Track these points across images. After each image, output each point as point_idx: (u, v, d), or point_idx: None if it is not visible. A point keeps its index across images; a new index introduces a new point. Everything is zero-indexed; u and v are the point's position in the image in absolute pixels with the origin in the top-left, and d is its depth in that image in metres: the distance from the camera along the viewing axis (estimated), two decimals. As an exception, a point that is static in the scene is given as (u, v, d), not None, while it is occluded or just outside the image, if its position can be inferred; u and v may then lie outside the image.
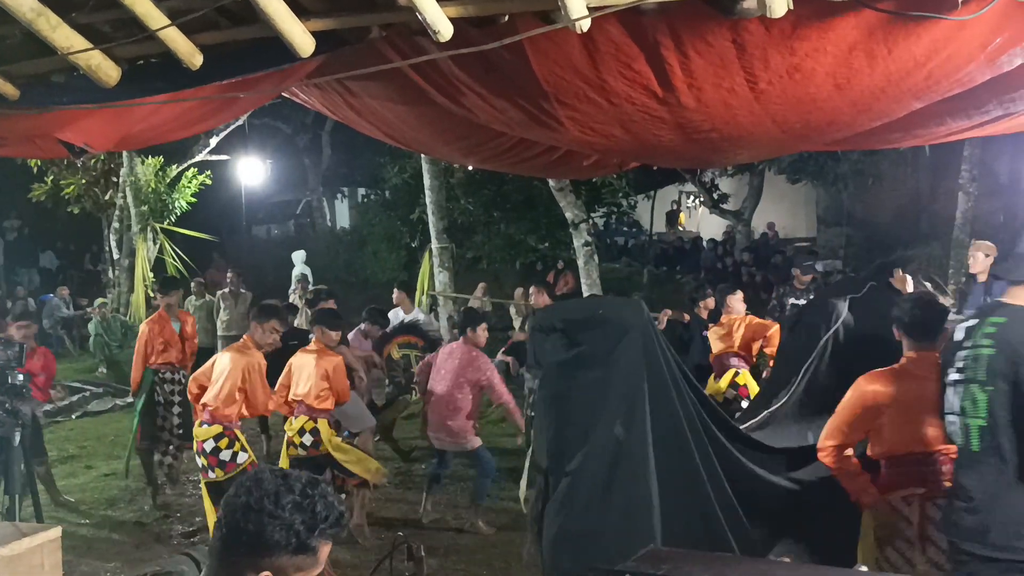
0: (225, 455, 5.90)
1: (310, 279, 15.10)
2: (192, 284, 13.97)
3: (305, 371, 6.45)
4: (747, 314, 7.78)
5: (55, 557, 4.12)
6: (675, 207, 24.93)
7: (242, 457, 5.93)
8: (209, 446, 5.90)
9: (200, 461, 6.03)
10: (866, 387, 3.86)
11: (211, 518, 6.00)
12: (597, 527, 4.01)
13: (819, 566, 4.03)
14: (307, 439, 6.37)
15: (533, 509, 4.34)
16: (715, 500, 4.20)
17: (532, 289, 10.14)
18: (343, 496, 6.41)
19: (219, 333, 13.08)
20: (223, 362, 6.05)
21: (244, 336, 6.29)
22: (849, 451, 3.91)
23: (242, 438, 6.03)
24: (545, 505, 4.23)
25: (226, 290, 13.26)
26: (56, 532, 4.18)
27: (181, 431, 7.60)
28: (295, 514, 1.81)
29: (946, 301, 5.55)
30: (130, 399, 11.57)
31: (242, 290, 13.39)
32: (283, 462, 6.42)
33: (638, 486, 4.03)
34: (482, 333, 7.04)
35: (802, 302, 9.50)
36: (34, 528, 4.20)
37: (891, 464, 3.86)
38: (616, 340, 4.16)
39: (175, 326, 7.90)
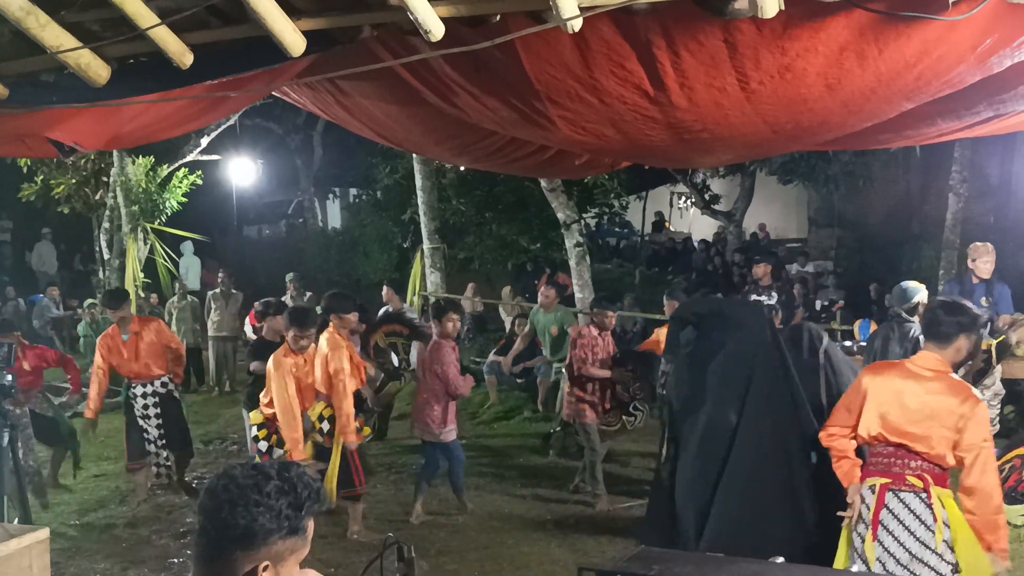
0: (262, 446, 6.26)
1: (198, 270, 15.09)
2: (176, 285, 13.93)
3: (317, 359, 6.51)
4: None
5: (43, 559, 4.09)
6: (659, 217, 25.02)
7: (277, 452, 6.21)
8: (252, 432, 6.39)
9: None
10: (862, 374, 4.10)
11: None
12: (711, 491, 4.77)
13: (813, 567, 4.07)
14: (324, 426, 6.45)
15: (664, 470, 5.11)
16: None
17: (543, 290, 10.25)
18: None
19: (210, 333, 13.05)
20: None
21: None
22: (844, 436, 4.07)
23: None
24: (674, 468, 5.01)
25: (217, 290, 13.22)
26: (44, 533, 4.16)
27: (164, 441, 7.46)
28: (280, 498, 1.84)
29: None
30: (119, 399, 11.56)
31: (233, 291, 13.35)
32: (308, 450, 6.47)
33: (744, 463, 4.73)
34: (447, 323, 7.01)
35: (764, 299, 9.55)
36: (22, 530, 4.17)
37: (870, 453, 4.05)
38: (734, 334, 4.87)
39: (125, 338, 7.42)
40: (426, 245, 13.54)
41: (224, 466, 1.93)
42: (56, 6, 3.43)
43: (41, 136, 4.52)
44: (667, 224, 25.24)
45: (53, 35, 3.38)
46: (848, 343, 9.30)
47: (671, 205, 25.35)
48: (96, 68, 3.60)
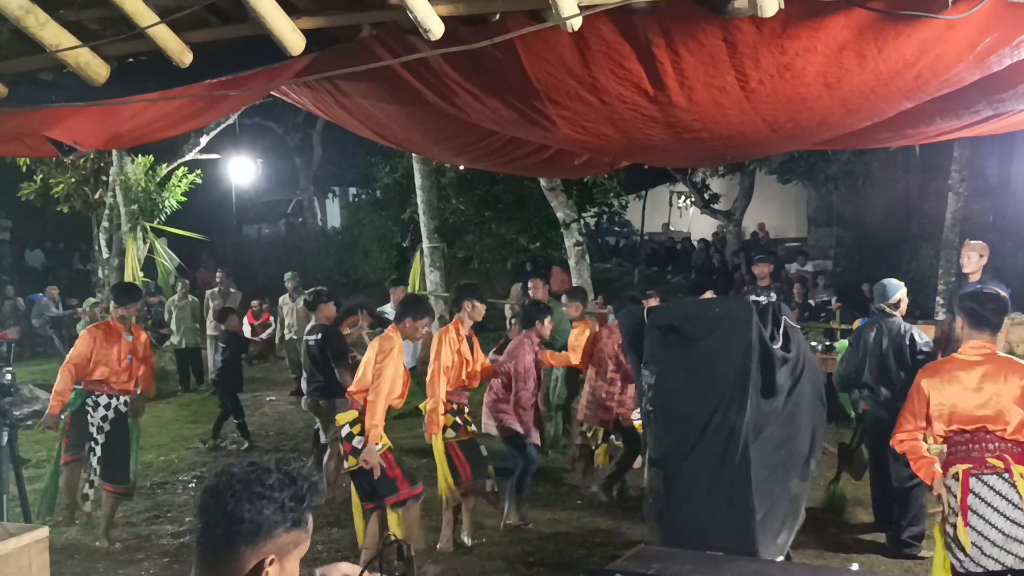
0: (357, 442, 5.61)
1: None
2: (178, 284, 13.94)
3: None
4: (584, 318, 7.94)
5: (42, 558, 4.08)
6: (665, 229, 25.04)
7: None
8: (344, 431, 5.71)
9: (340, 447, 5.87)
10: (919, 379, 4.28)
11: (355, 511, 5.86)
12: (714, 504, 4.69)
13: (811, 565, 4.10)
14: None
15: (653, 491, 4.96)
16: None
17: (531, 283, 10.15)
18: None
19: (208, 332, 13.05)
20: (369, 349, 5.85)
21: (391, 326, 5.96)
22: (914, 439, 4.28)
23: None
24: (665, 488, 4.85)
25: (215, 289, 13.24)
26: (43, 532, 4.15)
27: (100, 466, 6.54)
28: (284, 490, 1.86)
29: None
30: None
31: (232, 289, 13.38)
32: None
33: (745, 468, 4.67)
34: (539, 327, 6.92)
35: (762, 299, 9.52)
36: (21, 528, 4.16)
37: (949, 445, 4.22)
38: (732, 335, 4.72)
39: (129, 338, 6.65)
40: (425, 244, 13.53)
41: (222, 465, 1.91)
42: (55, 5, 3.43)
43: (40, 135, 4.51)
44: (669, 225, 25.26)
45: (52, 34, 3.38)
46: (845, 341, 9.30)
47: (671, 204, 25.33)
48: (95, 67, 3.60)
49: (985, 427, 4.06)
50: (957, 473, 4.13)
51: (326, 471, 7.44)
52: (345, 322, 8.88)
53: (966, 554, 4.08)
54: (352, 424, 5.68)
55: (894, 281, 6.42)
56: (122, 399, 6.65)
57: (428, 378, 6.12)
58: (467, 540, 6.33)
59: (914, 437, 4.30)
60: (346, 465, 5.80)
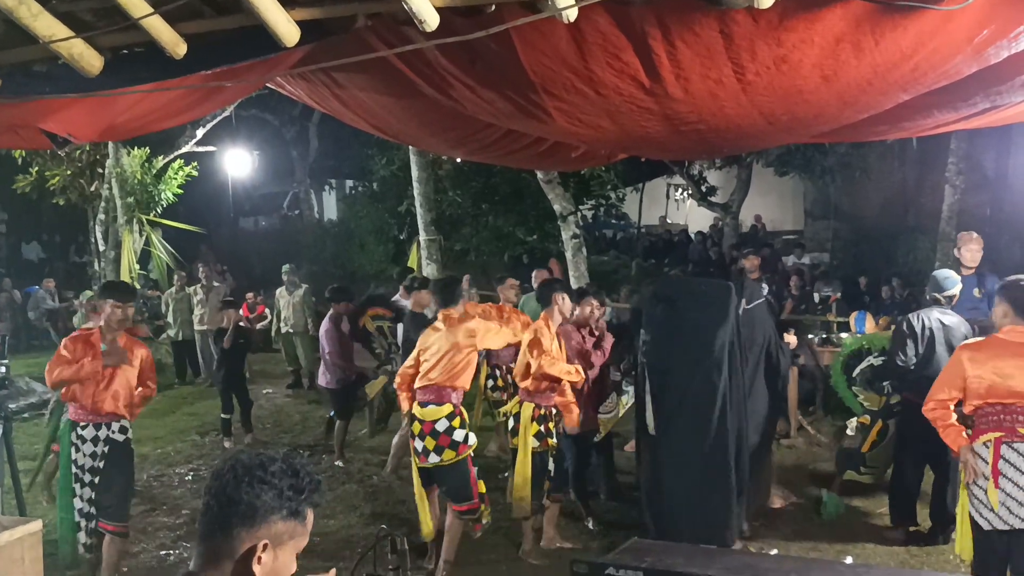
0: (458, 435, 5.51)
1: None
2: (175, 277, 13.91)
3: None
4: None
5: (35, 551, 4.09)
6: (661, 222, 25.01)
7: (472, 439, 5.60)
8: (442, 426, 5.50)
9: (422, 444, 5.52)
10: (960, 353, 4.66)
11: (421, 505, 5.77)
12: (696, 458, 5.48)
13: (804, 558, 4.13)
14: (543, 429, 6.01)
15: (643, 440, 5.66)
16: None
17: (535, 274, 9.97)
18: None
19: (195, 327, 13.00)
20: (432, 339, 5.64)
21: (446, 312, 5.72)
22: (945, 408, 4.69)
23: (466, 416, 5.64)
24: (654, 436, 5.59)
25: (198, 285, 13.21)
26: (36, 525, 4.15)
27: (95, 508, 5.48)
28: (284, 479, 1.94)
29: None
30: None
31: (215, 284, 13.36)
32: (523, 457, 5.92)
33: (721, 433, 5.48)
34: (584, 307, 6.57)
35: None
36: (14, 521, 4.16)
37: (978, 416, 4.57)
38: (719, 311, 5.46)
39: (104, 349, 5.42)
40: (422, 237, 13.51)
41: (229, 453, 1.93)
42: (48, -5, 3.41)
43: (34, 127, 4.49)
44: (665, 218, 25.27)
45: (45, 25, 3.36)
46: (844, 335, 9.29)
47: (668, 197, 25.35)
48: (89, 58, 3.58)
49: (1016, 403, 4.40)
50: (988, 441, 4.48)
51: (394, 446, 7.97)
52: (367, 313, 8.89)
53: (995, 513, 4.45)
54: (450, 417, 5.54)
55: (952, 274, 6.26)
56: (115, 426, 5.51)
57: (542, 370, 5.77)
58: (534, 561, 6.05)
59: (945, 406, 4.67)
60: (436, 459, 5.54)
